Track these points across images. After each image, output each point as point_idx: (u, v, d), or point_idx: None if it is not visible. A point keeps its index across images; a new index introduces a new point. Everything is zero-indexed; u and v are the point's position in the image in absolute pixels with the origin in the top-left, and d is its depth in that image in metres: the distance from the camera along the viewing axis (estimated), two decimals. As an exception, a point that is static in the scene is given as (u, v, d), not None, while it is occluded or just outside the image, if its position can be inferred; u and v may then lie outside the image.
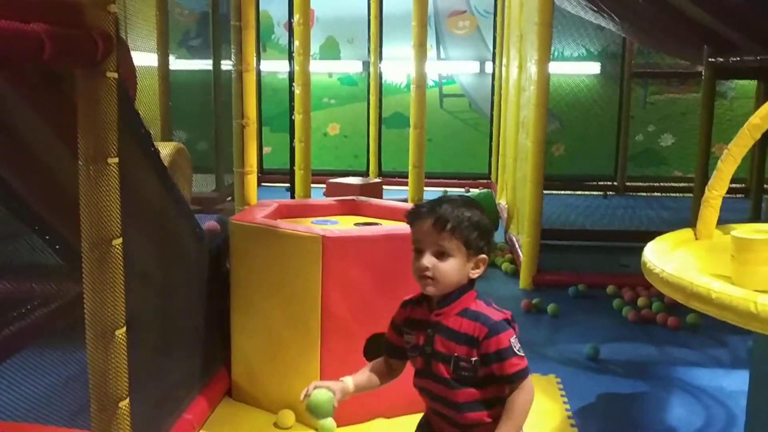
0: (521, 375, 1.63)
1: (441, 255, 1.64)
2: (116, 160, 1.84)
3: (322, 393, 1.69)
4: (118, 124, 1.85)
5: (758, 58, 5.10)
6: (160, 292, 2.54)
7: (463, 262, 1.66)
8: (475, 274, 1.69)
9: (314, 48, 9.34)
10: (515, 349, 1.63)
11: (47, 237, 2.45)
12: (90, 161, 1.81)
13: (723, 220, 2.41)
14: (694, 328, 4.17)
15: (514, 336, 1.64)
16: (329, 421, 2.70)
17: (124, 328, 1.94)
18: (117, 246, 1.89)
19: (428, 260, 1.64)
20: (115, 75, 1.83)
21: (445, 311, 1.68)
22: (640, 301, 4.58)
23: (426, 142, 4.88)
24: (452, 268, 1.65)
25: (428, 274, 1.64)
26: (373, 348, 2.71)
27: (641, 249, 2.24)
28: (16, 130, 2.04)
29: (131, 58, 2.33)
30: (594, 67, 9.45)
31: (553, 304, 4.51)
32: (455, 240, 1.63)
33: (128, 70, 2.22)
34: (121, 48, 1.93)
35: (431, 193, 7.52)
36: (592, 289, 4.92)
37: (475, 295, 1.70)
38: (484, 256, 1.69)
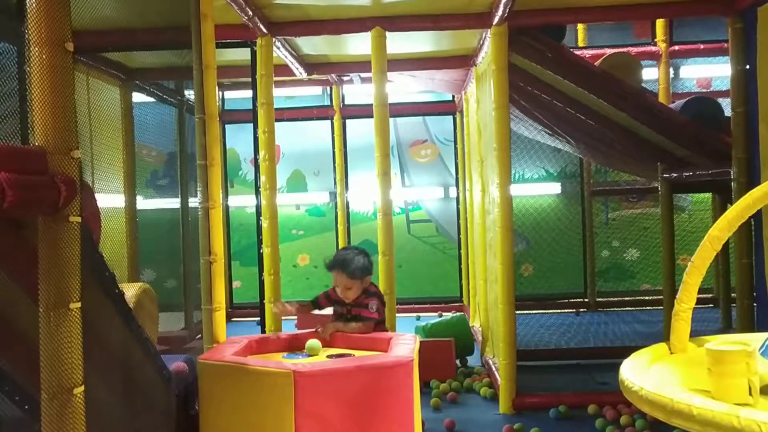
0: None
1: (348, 289, 3.54)
2: (78, 305, 1.80)
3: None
4: (81, 268, 1.82)
5: (710, 171, 5.28)
6: (125, 440, 2.42)
7: (359, 285, 3.55)
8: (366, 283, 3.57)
9: (281, 181, 9.49)
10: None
11: (6, 388, 2.34)
12: (51, 307, 1.77)
13: (696, 332, 2.40)
14: (680, 445, 4.06)
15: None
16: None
17: (86, 484, 1.83)
18: (78, 394, 1.81)
19: (343, 293, 3.56)
20: (78, 219, 1.82)
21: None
22: (623, 420, 4.47)
23: (396, 269, 4.89)
24: (355, 292, 3.55)
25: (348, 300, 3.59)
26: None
27: (619, 365, 2.21)
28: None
29: (95, 201, 2.33)
30: (555, 188, 9.70)
31: (536, 429, 4.38)
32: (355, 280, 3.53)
33: (92, 213, 2.21)
34: (84, 191, 1.94)
35: (404, 318, 7.47)
36: (573, 409, 4.80)
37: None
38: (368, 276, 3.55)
